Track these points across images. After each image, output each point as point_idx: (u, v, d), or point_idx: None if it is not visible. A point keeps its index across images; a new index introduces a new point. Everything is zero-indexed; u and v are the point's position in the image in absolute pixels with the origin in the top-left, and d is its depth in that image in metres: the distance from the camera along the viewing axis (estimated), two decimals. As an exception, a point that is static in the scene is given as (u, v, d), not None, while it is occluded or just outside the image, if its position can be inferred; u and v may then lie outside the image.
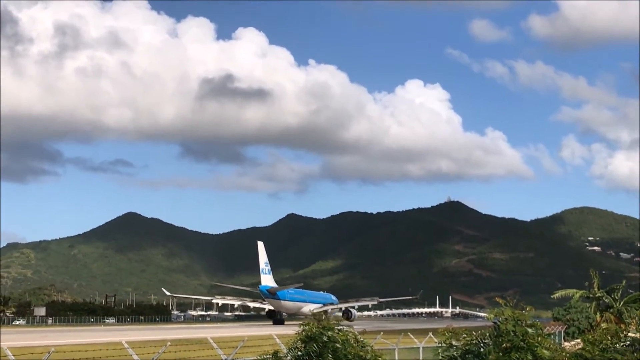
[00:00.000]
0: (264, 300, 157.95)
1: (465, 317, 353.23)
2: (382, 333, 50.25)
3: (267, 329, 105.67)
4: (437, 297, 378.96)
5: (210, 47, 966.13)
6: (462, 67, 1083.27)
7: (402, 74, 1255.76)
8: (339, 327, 24.52)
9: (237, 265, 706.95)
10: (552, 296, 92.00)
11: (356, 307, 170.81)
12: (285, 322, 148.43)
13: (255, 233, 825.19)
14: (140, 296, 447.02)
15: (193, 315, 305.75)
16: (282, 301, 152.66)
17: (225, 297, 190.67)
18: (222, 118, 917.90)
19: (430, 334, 54.11)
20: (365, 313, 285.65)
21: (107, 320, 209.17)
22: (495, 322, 22.86)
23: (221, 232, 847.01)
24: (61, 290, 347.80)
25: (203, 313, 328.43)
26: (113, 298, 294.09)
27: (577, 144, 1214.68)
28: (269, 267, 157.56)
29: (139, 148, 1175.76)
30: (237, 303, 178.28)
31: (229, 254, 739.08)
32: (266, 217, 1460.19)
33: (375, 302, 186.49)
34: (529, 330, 21.95)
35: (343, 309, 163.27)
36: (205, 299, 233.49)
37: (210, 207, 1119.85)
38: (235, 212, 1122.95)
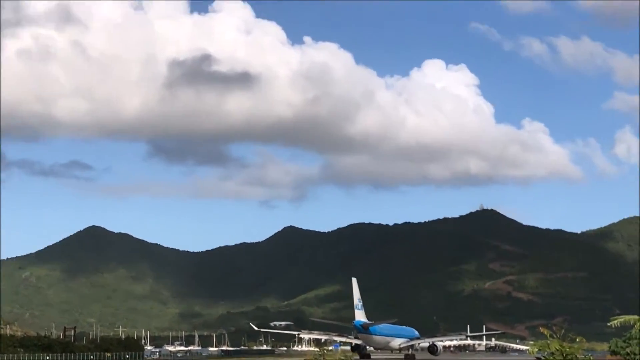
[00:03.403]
0: (350, 335, 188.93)
1: (503, 351, 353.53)
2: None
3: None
4: (468, 326, 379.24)
5: (182, 22, 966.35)
6: (492, 44, 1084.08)
7: (419, 53, 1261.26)
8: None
9: (225, 288, 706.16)
10: (608, 324, 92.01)
11: (444, 341, 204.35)
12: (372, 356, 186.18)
13: (245, 250, 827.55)
14: (106, 328, 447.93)
15: (171, 352, 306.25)
16: (373, 336, 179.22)
17: (312, 331, 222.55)
18: (199, 109, 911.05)
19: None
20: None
21: None
22: (539, 358, 22.98)
23: (204, 250, 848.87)
24: (10, 322, 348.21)
25: (182, 348, 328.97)
26: (73, 331, 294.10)
27: (634, 138, 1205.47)
28: (362, 303, 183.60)
29: (98, 147, 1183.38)
30: (324, 338, 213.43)
31: (213, 276, 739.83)
32: (258, 230, 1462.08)
33: (464, 337, 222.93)
34: (581, 366, 22.08)
35: (430, 343, 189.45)
36: (290, 333, 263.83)
37: (189, 219, 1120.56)
38: (220, 224, 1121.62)
